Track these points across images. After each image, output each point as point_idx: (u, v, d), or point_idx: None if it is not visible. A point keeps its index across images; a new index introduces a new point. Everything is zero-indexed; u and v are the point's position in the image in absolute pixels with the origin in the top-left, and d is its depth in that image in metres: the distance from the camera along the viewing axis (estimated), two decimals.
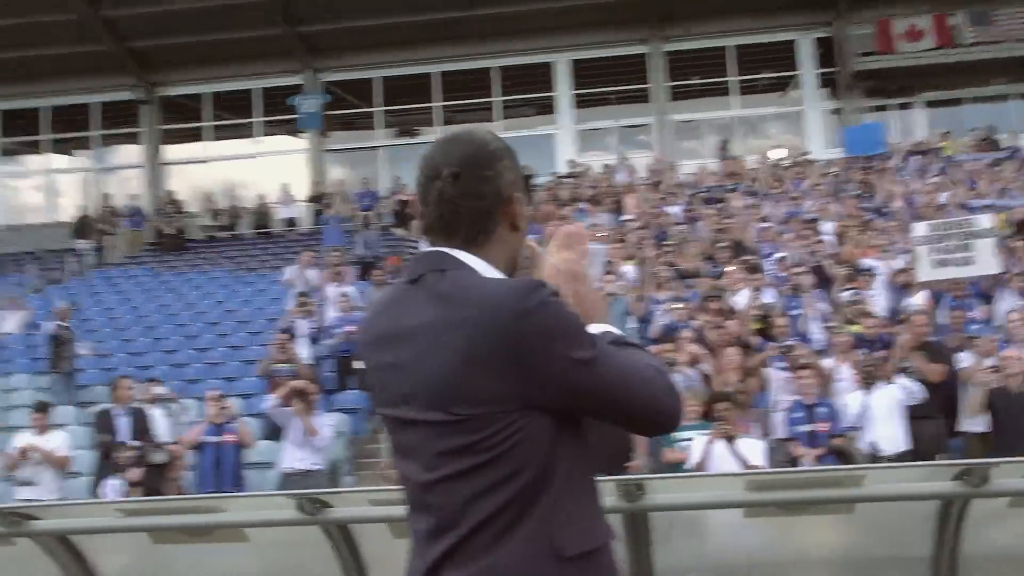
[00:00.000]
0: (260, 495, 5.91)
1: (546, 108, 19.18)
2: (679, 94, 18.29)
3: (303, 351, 10.39)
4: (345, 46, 18.39)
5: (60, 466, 8.32)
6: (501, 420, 1.32)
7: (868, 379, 7.72)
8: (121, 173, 19.94)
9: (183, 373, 11.40)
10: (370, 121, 19.36)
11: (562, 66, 18.70)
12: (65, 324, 11.73)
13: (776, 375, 8.14)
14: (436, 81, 18.85)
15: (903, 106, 18.52)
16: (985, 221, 9.37)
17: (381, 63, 18.59)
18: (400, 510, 1.82)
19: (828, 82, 18.37)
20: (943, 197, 12.55)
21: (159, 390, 9.46)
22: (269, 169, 18.43)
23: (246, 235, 17.18)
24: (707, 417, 7.15)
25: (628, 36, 18.24)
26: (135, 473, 7.89)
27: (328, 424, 8.82)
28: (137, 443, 8.35)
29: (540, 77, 18.81)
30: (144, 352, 12.53)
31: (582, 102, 18.86)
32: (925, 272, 9.33)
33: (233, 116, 19.09)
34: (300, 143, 19.18)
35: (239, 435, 8.15)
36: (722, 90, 18.45)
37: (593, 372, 1.33)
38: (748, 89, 18.48)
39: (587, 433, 1.43)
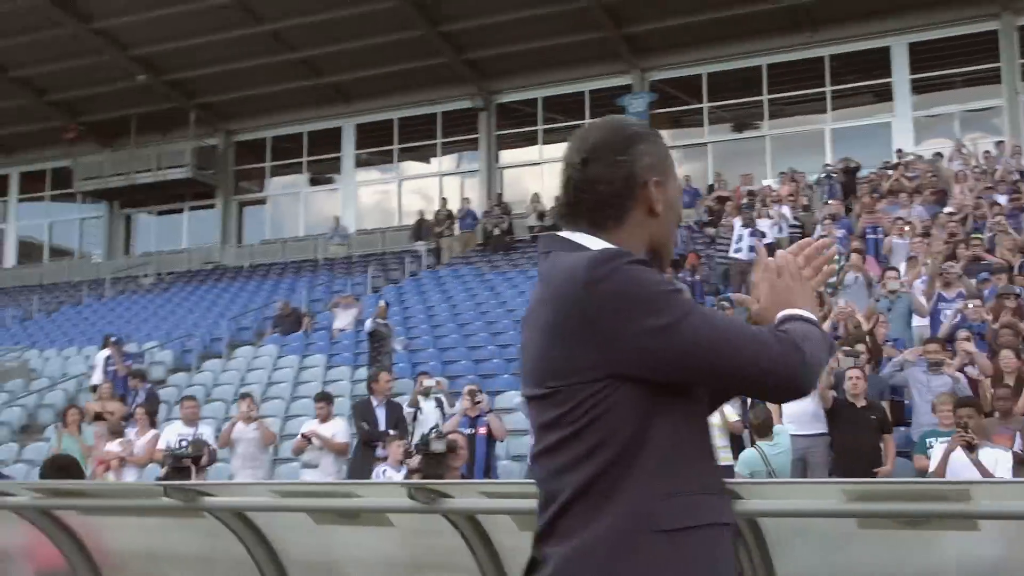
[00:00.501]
0: (391, 483, 6.41)
1: (882, 95, 19.57)
2: None
3: None
4: (671, 44, 19.88)
5: (338, 451, 9.40)
6: (585, 390, 1.37)
7: None
8: (460, 178, 22.68)
9: (482, 368, 12.69)
10: (698, 118, 20.77)
11: (899, 49, 19.02)
12: (384, 321, 13.11)
13: None
14: (764, 73, 19.90)
15: None
16: None
17: (707, 58, 19.98)
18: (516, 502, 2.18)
19: None
20: None
21: (429, 383, 10.30)
22: None
23: None
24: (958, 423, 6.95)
25: (975, 13, 18.39)
26: (414, 461, 8.43)
27: None
28: (395, 431, 9.31)
29: (875, 63, 19.40)
30: (452, 347, 14.04)
31: (921, 87, 19.16)
32: None
33: (564, 119, 21.09)
34: None
35: (491, 428, 8.93)
36: None
37: (673, 338, 1.35)
38: None
39: (700, 405, 1.46)
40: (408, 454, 8.69)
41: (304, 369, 13.69)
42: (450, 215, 19.90)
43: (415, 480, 7.12)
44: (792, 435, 8.33)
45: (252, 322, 17.03)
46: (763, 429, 8.32)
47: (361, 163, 23.02)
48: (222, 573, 4.11)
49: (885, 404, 8.25)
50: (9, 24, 19.95)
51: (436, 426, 9.06)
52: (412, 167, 23.22)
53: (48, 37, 20.53)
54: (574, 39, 19.43)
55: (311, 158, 23.31)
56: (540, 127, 21.38)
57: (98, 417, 10.62)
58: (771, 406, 8.19)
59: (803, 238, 1.95)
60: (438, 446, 8.10)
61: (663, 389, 1.38)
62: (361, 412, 10.04)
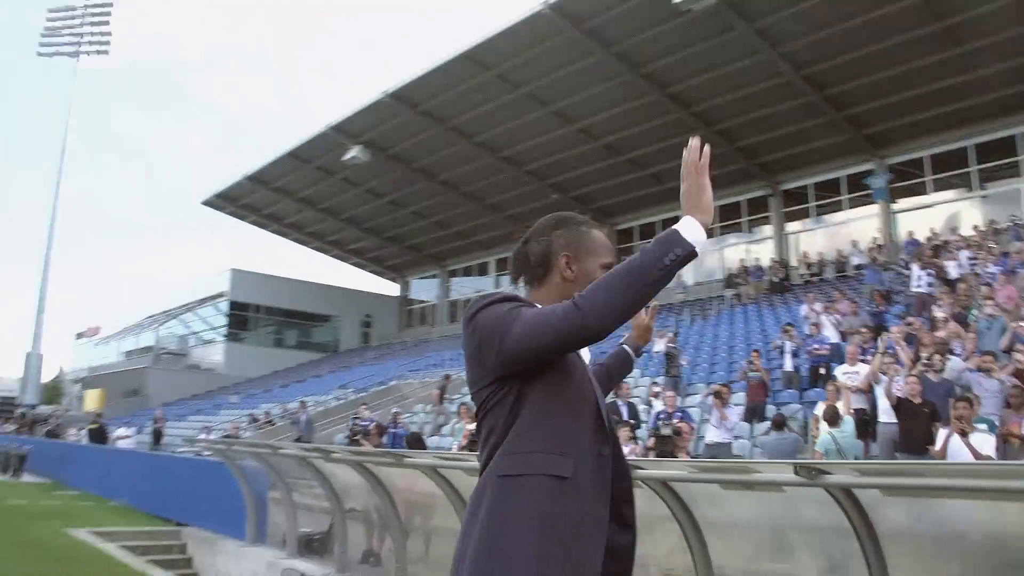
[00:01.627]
0: (778, 462, 7.13)
1: None
2: None
3: (787, 362, 14.74)
4: (902, 137, 27.19)
5: None
6: (483, 393, 2.15)
7: None
8: (758, 244, 30.65)
9: (722, 378, 16.13)
10: (923, 186, 27.67)
11: None
12: (673, 345, 17.08)
13: None
14: (974, 152, 26.22)
15: None
16: None
17: (930, 144, 27.05)
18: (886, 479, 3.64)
19: None
20: None
21: (656, 389, 13.95)
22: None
23: (828, 279, 26.17)
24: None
25: None
26: (651, 441, 10.44)
27: (736, 413, 12.60)
28: (632, 421, 11.78)
29: None
30: (718, 362, 18.61)
31: None
32: None
33: (829, 196, 29.88)
34: None
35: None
36: None
37: (507, 345, 2.06)
38: None
39: (565, 390, 2.14)
40: (633, 437, 10.75)
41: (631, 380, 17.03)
42: (746, 270, 28.18)
43: (652, 457, 8.78)
44: (881, 422, 10.40)
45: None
46: (833, 420, 10.14)
47: None
48: (649, 527, 5.19)
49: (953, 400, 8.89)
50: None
51: (663, 415, 11.25)
52: (729, 238, 32.56)
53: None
54: (830, 141, 27.33)
55: None
56: (812, 204, 29.77)
57: None
58: (839, 402, 10.34)
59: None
60: (665, 430, 10.27)
61: (530, 382, 2.09)
62: (609, 408, 16.05)
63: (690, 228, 2.10)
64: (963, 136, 26.03)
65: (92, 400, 39.23)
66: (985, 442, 7.95)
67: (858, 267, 25.17)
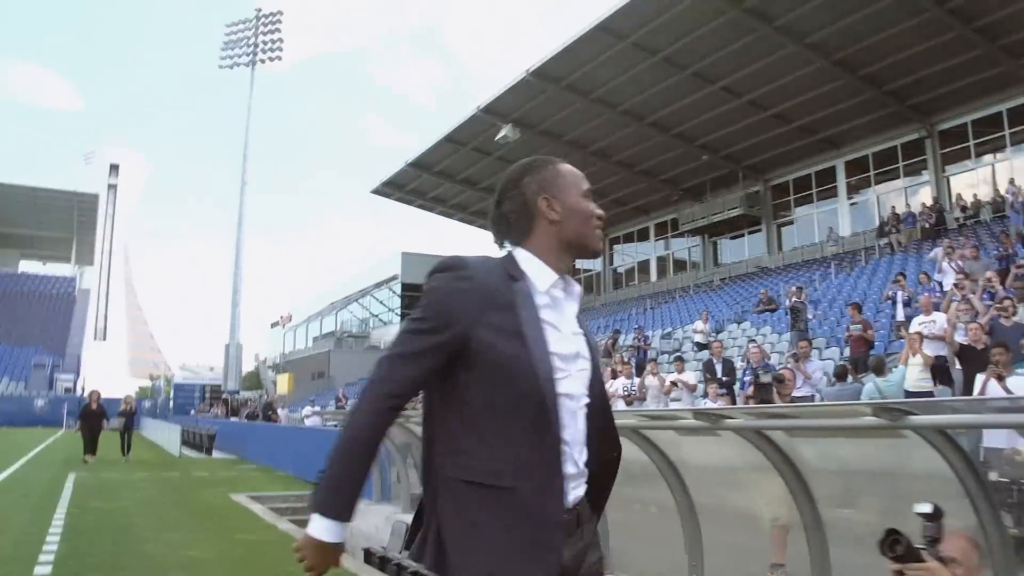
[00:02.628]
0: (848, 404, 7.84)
1: None
2: None
3: (899, 312, 15.08)
4: None
5: (691, 390, 13.61)
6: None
7: None
8: (915, 188, 30.32)
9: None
10: None
11: None
12: (799, 299, 17.74)
13: None
14: None
15: None
16: None
17: None
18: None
19: None
20: None
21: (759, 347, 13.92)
22: None
23: (985, 221, 25.42)
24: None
25: None
26: (750, 390, 10.99)
27: (819, 368, 12.94)
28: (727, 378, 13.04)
29: None
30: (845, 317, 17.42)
31: None
32: None
33: (992, 132, 28.36)
34: None
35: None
36: None
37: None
38: None
39: (485, 392, 1.91)
40: (724, 394, 11.87)
41: (761, 336, 19.39)
42: (897, 217, 27.56)
43: (753, 404, 9.01)
44: (957, 369, 10.68)
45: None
46: (879, 369, 10.78)
47: (850, 189, 32.88)
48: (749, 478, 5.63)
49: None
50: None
51: (767, 363, 12.05)
52: (882, 187, 31.81)
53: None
54: (986, 74, 26.04)
55: (817, 189, 34.05)
56: (971, 143, 28.47)
57: None
58: (920, 354, 10.37)
59: None
60: (765, 378, 10.61)
61: (445, 378, 1.95)
62: (705, 367, 14.21)
63: (312, 522, 1.88)
64: None
65: (283, 384, 42.86)
66: (1018, 384, 8.06)
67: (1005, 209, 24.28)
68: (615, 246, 45.55)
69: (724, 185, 36.64)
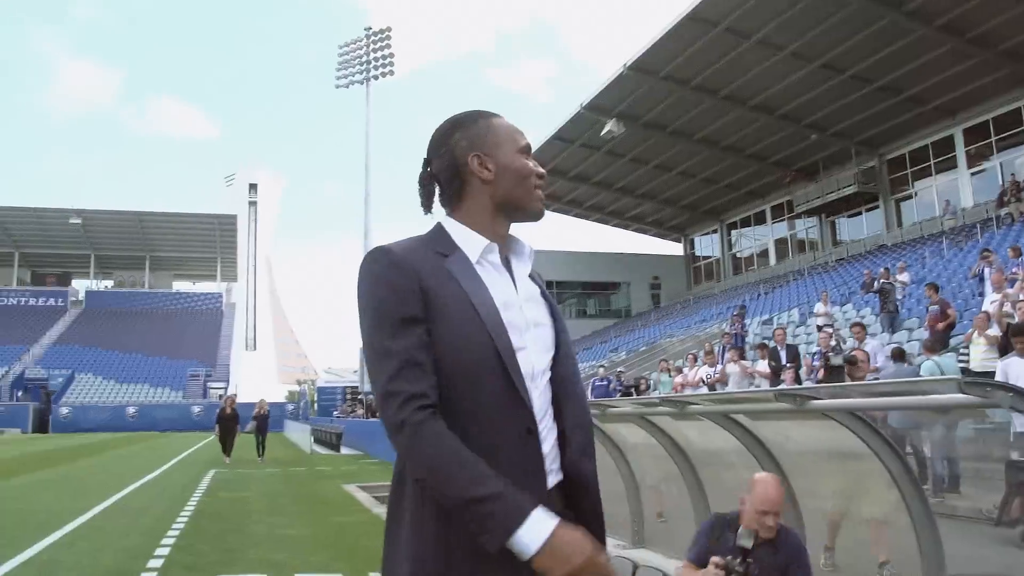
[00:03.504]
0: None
1: None
2: None
3: (988, 290, 14.21)
4: None
5: (768, 378, 13.67)
6: None
7: None
8: None
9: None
10: None
11: None
12: (889, 281, 17.75)
13: None
14: None
15: None
16: None
17: None
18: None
19: None
20: None
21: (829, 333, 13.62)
22: None
23: None
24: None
25: None
26: (821, 373, 10.96)
27: (876, 349, 12.74)
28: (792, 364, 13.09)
29: None
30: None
31: None
32: None
33: None
34: None
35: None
36: None
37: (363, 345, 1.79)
38: None
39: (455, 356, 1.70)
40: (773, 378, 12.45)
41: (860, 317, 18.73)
42: (1017, 186, 26.18)
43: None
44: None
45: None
46: (933, 348, 11.16)
47: (970, 159, 31.39)
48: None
49: None
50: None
51: (837, 346, 11.98)
52: (1006, 155, 30.03)
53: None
54: None
55: (935, 160, 32.70)
56: None
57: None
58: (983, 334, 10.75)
59: None
60: (836, 360, 10.60)
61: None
62: (770, 354, 14.12)
63: (531, 533, 1.57)
64: None
65: None
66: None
67: None
68: (732, 231, 45.10)
69: (837, 163, 35.85)
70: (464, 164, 1.89)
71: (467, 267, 1.81)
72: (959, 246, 24.83)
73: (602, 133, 34.75)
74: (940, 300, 13.91)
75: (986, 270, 14.58)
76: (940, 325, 13.10)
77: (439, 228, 1.90)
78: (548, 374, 1.87)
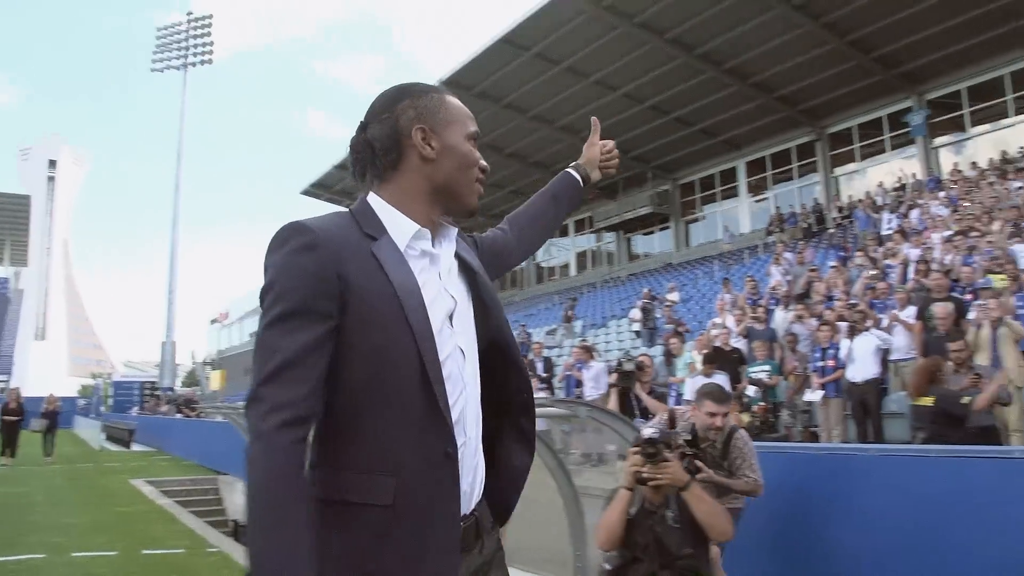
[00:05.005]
0: None
1: None
2: None
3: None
4: (937, 72, 28.04)
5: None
6: None
7: (852, 331, 10.98)
8: (806, 187, 31.94)
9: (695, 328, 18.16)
10: (961, 122, 28.36)
11: None
12: (648, 300, 20.92)
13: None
14: (1009, 81, 26.98)
15: None
16: None
17: (967, 75, 27.68)
18: None
19: None
20: None
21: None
22: None
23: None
24: None
25: None
26: (613, 377, 10.66)
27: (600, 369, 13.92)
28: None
29: None
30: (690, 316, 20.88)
31: None
32: None
33: (872, 137, 30.58)
34: None
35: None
36: None
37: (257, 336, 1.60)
38: None
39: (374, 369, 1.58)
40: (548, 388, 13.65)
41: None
42: (781, 217, 29.81)
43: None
44: None
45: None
46: (668, 362, 13.15)
47: (750, 188, 35.05)
48: None
49: None
50: None
51: (627, 352, 13.75)
52: (779, 187, 33.71)
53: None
54: (866, 82, 28.27)
55: (721, 188, 36.07)
56: (856, 145, 30.77)
57: None
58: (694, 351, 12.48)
59: None
60: (628, 366, 10.38)
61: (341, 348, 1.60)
62: (527, 364, 16.27)
63: None
64: (998, 65, 26.81)
65: (216, 380, 44.16)
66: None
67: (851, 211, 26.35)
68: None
69: (635, 184, 38.65)
70: (407, 135, 1.77)
71: (395, 255, 1.68)
72: (728, 268, 27.60)
73: None
74: (674, 320, 16.03)
75: (726, 296, 16.82)
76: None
77: (365, 205, 1.76)
78: (476, 368, 1.78)
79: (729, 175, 35.64)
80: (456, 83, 31.96)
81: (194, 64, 54.11)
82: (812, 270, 15.99)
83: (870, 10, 24.79)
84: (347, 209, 1.77)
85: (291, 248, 1.58)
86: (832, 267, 15.50)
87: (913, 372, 8.37)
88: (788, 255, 18.85)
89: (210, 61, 54.24)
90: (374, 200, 1.77)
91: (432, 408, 1.60)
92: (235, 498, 14.59)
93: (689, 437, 4.44)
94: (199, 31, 54.31)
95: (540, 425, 3.82)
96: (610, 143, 2.65)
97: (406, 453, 1.57)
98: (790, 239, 27.59)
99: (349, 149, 1.84)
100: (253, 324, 56.01)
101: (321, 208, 44.05)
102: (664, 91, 30.50)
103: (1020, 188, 16.72)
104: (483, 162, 1.89)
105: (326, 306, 1.57)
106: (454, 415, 1.65)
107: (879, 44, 26.68)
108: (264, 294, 1.59)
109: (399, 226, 1.73)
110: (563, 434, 9.99)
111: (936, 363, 7.75)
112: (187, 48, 54.18)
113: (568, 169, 2.57)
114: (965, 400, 7.14)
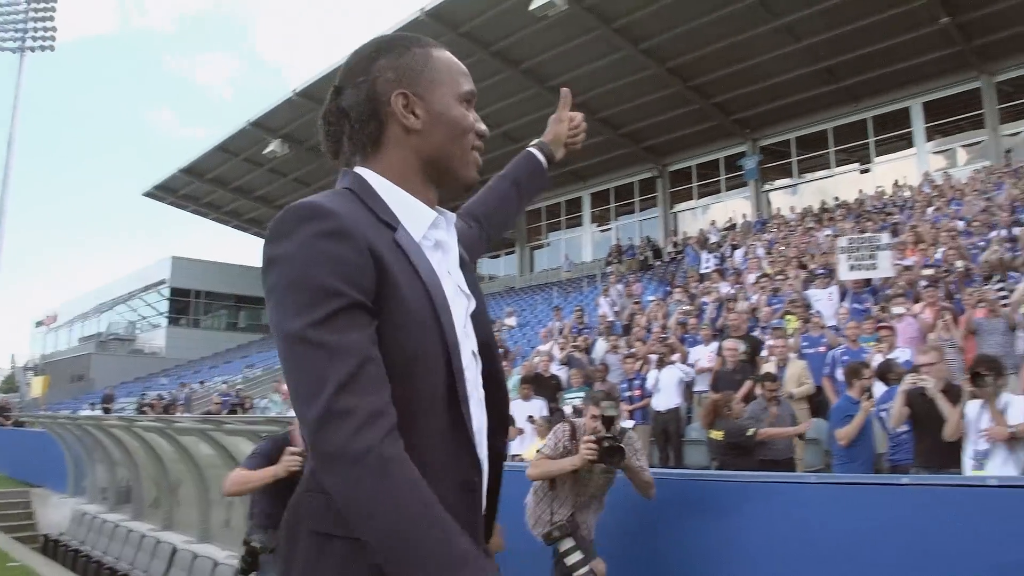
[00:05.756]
0: None
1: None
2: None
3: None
4: (770, 121, 29.65)
5: None
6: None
7: (660, 362, 11.75)
8: (647, 222, 33.56)
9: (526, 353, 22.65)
10: (789, 168, 29.59)
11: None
12: (509, 323, 22.35)
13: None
14: (831, 134, 28.64)
15: None
16: (885, 239, 12.45)
17: (794, 127, 29.20)
18: None
19: None
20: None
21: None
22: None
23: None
24: None
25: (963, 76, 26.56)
26: None
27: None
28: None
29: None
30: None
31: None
32: (844, 273, 12.54)
33: (710, 177, 31.97)
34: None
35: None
36: None
37: (294, 346, 1.29)
38: None
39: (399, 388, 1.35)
40: None
41: None
42: (619, 249, 31.23)
43: None
44: None
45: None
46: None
47: (595, 218, 36.43)
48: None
49: None
50: None
51: None
52: (622, 219, 35.38)
53: None
54: (705, 125, 30.20)
55: (566, 216, 37.37)
56: (695, 184, 32.66)
57: None
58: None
59: None
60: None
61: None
62: None
63: None
64: (823, 120, 29.05)
65: (37, 387, 42.05)
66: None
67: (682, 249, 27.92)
68: None
69: None
70: (385, 103, 1.51)
71: (415, 247, 1.46)
72: (566, 296, 28.52)
73: (264, 151, 35.62)
74: (503, 344, 16.62)
75: (556, 324, 17.62)
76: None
77: (366, 185, 1.50)
78: (478, 366, 1.56)
79: (575, 204, 36.96)
80: (309, 95, 31.91)
81: (32, 49, 51.62)
82: (636, 303, 16.97)
83: (711, 59, 26.51)
84: (346, 189, 1.50)
85: (316, 233, 1.33)
86: (651, 300, 16.51)
87: (703, 406, 9.16)
88: (618, 287, 19.85)
89: (52, 48, 51.88)
90: (372, 178, 1.51)
91: (459, 430, 1.41)
92: (48, 512, 14.26)
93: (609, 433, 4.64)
94: (40, 13, 51.83)
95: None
96: (578, 116, 2.29)
97: (431, 483, 1.29)
98: (627, 270, 28.83)
99: (321, 120, 1.59)
100: (87, 328, 53.87)
101: (165, 212, 42.96)
102: (514, 119, 31.19)
103: (828, 235, 18.14)
104: (480, 125, 1.64)
105: (368, 298, 1.34)
106: (476, 437, 1.46)
107: (718, 91, 28.55)
108: (287, 285, 1.32)
109: (413, 212, 1.50)
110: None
111: (725, 398, 8.51)
112: (25, 31, 51.62)
113: (530, 148, 2.23)
114: (750, 432, 7.92)
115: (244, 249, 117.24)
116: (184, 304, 49.00)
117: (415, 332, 1.37)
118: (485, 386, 1.55)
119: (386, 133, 1.52)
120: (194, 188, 42.63)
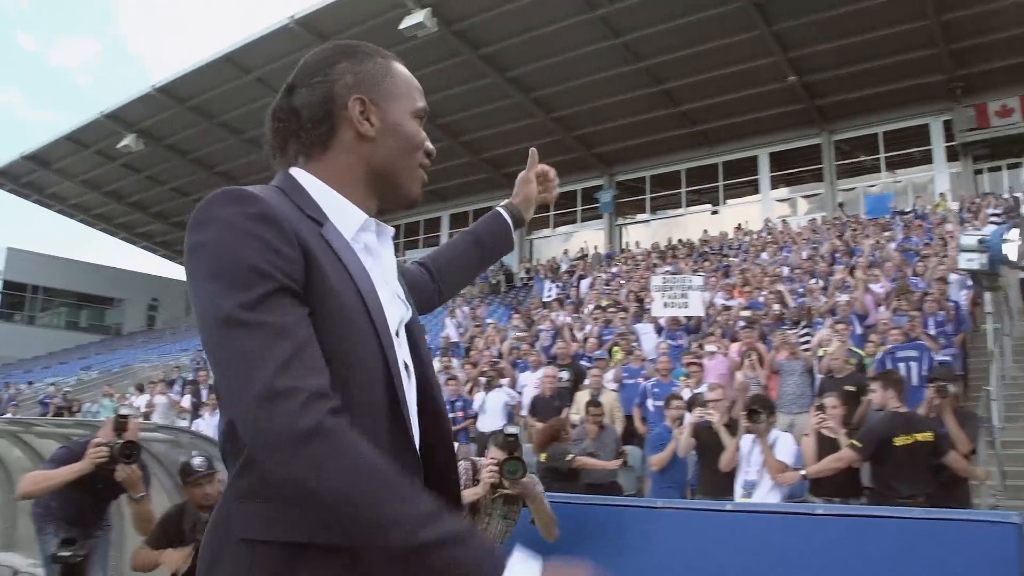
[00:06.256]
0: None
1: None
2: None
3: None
4: (629, 158, 30.60)
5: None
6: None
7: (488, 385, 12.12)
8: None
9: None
10: (642, 204, 30.54)
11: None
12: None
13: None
14: (684, 175, 29.55)
15: (1011, 167, 25.41)
16: (698, 280, 13.58)
17: (649, 166, 30.87)
18: None
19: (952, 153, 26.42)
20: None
21: None
22: None
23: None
24: None
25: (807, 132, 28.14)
26: None
27: None
28: None
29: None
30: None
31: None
32: (657, 310, 13.55)
33: (571, 207, 31.91)
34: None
35: None
36: None
37: (223, 331, 1.23)
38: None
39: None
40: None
41: None
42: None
43: None
44: None
45: None
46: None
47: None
48: None
49: None
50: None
51: None
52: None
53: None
54: (565, 157, 29.95)
55: (424, 236, 37.83)
56: (551, 213, 33.56)
57: None
58: None
59: None
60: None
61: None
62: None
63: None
64: (677, 161, 30.46)
65: None
66: None
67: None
68: None
69: None
70: (342, 106, 1.49)
71: (344, 244, 1.42)
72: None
73: (119, 145, 34.46)
74: None
75: None
76: None
77: (294, 183, 1.47)
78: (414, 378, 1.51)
79: (434, 224, 37.38)
80: (170, 92, 31.25)
81: None
82: (478, 325, 17.41)
83: (575, 93, 27.46)
84: (274, 186, 1.45)
85: (243, 215, 1.29)
86: (490, 324, 16.99)
87: (539, 431, 9.59)
88: (465, 309, 20.26)
89: None
90: (305, 178, 1.47)
91: (401, 431, 1.37)
92: None
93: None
94: None
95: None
96: (551, 171, 2.25)
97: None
98: (480, 293, 29.20)
99: (269, 115, 1.54)
100: None
101: (2, 199, 40.97)
102: None
103: (666, 272, 19.10)
104: (429, 144, 1.61)
105: (298, 284, 1.29)
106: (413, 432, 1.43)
107: (580, 124, 29.59)
108: (213, 271, 1.26)
109: (342, 212, 1.46)
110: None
111: (558, 424, 8.92)
112: None
113: (498, 208, 2.20)
114: (569, 458, 8.37)
115: (90, 245, 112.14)
116: (19, 299, 46.39)
117: (348, 323, 1.33)
118: (419, 400, 1.50)
119: (336, 137, 1.49)
120: (38, 176, 40.68)
